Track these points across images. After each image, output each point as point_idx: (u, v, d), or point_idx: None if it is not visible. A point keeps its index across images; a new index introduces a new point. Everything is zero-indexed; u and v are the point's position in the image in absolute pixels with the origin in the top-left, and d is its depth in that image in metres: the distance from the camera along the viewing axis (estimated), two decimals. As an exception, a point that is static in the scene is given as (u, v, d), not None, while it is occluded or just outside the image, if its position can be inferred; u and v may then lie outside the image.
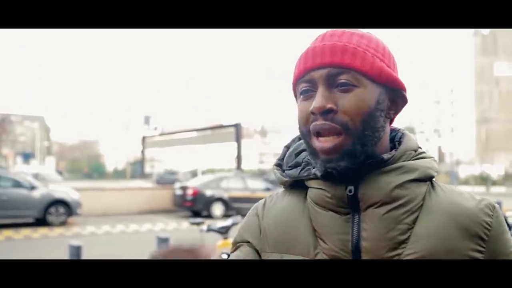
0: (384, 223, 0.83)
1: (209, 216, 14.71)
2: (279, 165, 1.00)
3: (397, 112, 0.92)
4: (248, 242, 0.96)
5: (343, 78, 0.84)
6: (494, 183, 34.89)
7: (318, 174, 0.88)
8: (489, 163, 52.96)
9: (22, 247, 9.58)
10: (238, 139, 18.61)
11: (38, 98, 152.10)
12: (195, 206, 15.11)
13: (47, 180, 24.32)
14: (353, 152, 0.83)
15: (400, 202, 0.83)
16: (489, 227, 0.84)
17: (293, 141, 1.01)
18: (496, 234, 0.84)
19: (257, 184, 16.46)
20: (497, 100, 78.55)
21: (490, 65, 79.02)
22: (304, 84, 0.88)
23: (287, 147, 1.01)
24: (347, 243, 0.84)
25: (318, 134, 0.85)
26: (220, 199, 15.26)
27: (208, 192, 15.22)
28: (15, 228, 12.02)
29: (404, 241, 0.83)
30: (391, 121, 0.93)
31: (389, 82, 0.87)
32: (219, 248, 5.29)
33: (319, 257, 0.87)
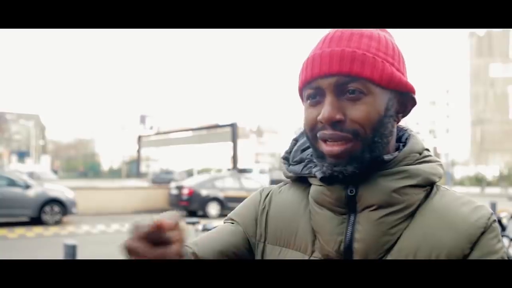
0: (378, 227, 0.82)
1: (205, 215, 14.70)
2: (286, 158, 0.99)
3: (405, 114, 0.91)
4: (238, 222, 0.98)
5: (352, 87, 0.81)
6: (489, 184, 34.97)
7: (318, 175, 0.87)
8: (484, 164, 53.19)
9: (16, 246, 9.53)
10: (234, 138, 18.59)
11: (33, 96, 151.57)
12: (191, 206, 15.08)
13: (42, 178, 24.20)
14: (361, 158, 0.82)
15: (396, 208, 0.82)
16: (481, 233, 0.80)
17: (302, 134, 0.99)
18: (487, 239, 0.80)
19: (252, 184, 16.47)
20: (492, 101, 78.88)
21: (486, 67, 79.35)
22: (311, 90, 0.85)
23: (296, 140, 1.00)
24: (340, 244, 0.84)
25: (326, 140, 0.83)
26: (215, 199, 15.26)
27: (204, 192, 15.21)
28: (9, 227, 11.95)
29: (394, 245, 0.83)
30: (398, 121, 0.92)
31: (399, 87, 0.86)
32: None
33: (315, 254, 0.87)
